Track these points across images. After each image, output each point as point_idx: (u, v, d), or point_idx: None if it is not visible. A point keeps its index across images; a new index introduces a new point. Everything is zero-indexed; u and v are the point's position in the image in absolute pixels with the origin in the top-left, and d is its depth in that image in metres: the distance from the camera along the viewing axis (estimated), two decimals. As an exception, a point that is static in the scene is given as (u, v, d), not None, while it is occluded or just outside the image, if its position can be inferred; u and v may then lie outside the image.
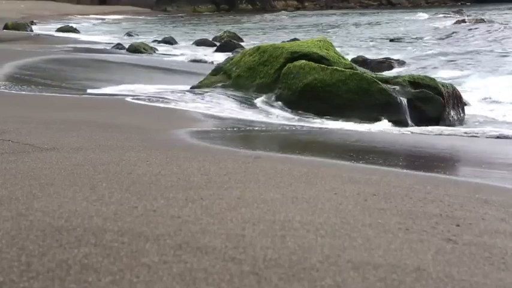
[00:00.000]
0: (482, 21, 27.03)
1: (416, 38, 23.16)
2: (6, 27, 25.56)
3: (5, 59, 11.41)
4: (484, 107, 8.90)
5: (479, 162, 4.91)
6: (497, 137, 6.25)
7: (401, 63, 15.07)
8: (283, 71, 7.85)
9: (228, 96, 8.04)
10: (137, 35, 26.01)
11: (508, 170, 4.61)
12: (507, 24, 25.24)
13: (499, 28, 23.46)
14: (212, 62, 14.90)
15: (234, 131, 5.86)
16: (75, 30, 27.48)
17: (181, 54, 17.65)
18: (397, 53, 17.31)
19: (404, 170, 4.27)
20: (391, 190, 3.23)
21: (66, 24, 31.00)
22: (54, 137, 4.33)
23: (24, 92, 7.74)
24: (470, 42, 20.47)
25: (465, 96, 8.52)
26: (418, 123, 7.24)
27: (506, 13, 36.01)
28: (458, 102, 7.81)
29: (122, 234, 2.19)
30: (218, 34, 24.11)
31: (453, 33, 23.55)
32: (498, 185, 3.82)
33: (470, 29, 23.65)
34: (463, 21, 27.63)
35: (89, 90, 8.65)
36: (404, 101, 7.28)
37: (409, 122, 7.19)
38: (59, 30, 27.44)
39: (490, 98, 9.46)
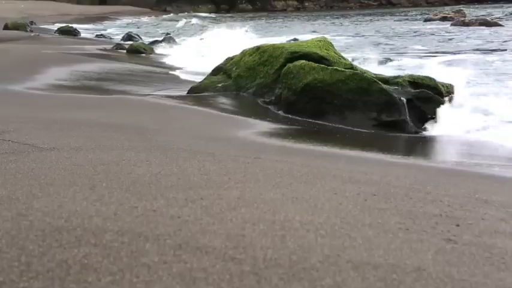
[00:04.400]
0: (486, 22, 26.19)
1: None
2: (6, 27, 25.54)
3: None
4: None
5: None
6: None
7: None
8: (283, 71, 7.84)
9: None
10: (137, 35, 25.99)
11: None
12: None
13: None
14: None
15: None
16: (74, 31, 27.46)
17: (182, 55, 17.62)
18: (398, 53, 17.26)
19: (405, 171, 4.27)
20: (391, 190, 3.24)
21: (66, 24, 30.96)
22: (54, 137, 4.33)
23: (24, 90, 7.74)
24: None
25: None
26: (418, 123, 7.24)
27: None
28: (458, 102, 7.81)
29: (122, 234, 2.18)
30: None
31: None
32: (498, 185, 3.81)
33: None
34: (464, 22, 27.25)
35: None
36: (404, 101, 7.27)
37: (409, 122, 7.19)
38: (59, 30, 27.42)
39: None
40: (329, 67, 7.62)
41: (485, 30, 23.62)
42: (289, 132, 6.29)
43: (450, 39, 21.42)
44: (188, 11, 58.92)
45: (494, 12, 39.48)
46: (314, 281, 1.88)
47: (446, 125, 7.20)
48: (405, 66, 13.41)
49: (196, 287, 1.80)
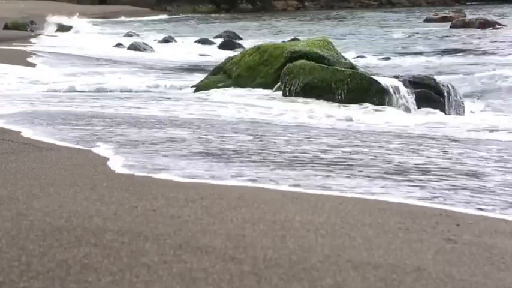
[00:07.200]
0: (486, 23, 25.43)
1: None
2: (6, 27, 25.55)
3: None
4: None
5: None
6: None
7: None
8: (283, 70, 7.84)
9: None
10: (137, 35, 25.97)
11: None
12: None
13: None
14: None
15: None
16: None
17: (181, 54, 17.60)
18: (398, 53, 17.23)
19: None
20: (391, 190, 3.23)
21: (66, 24, 30.93)
22: (54, 137, 4.33)
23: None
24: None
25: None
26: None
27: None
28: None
29: (122, 234, 2.18)
30: (218, 34, 24.12)
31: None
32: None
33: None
34: (464, 23, 26.86)
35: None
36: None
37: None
38: (59, 30, 27.41)
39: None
40: (329, 67, 7.62)
41: (485, 32, 23.40)
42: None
43: (450, 41, 21.35)
44: (188, 11, 58.92)
45: (496, 12, 39.33)
46: (314, 281, 1.88)
47: None
48: (404, 66, 13.41)
49: (196, 287, 1.79)
